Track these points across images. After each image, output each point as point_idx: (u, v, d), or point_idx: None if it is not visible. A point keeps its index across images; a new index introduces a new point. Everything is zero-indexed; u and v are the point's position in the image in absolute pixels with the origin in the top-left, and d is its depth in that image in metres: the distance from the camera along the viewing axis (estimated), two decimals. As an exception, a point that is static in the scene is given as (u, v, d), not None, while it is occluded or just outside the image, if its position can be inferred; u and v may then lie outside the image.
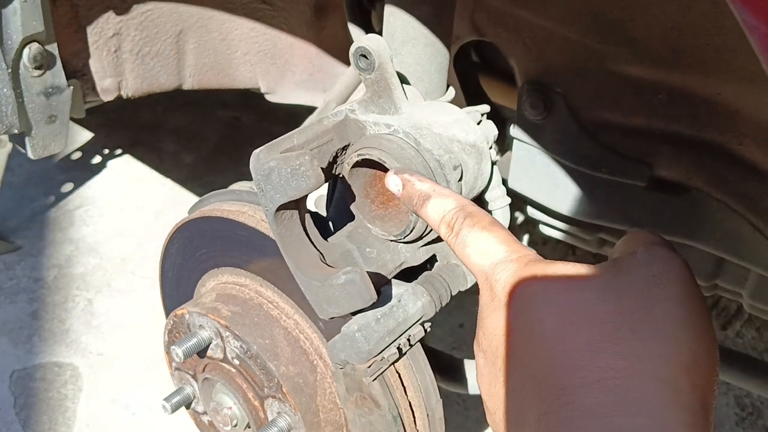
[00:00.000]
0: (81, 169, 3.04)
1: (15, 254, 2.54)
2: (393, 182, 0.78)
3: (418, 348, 0.93)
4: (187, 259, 1.13)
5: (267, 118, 3.30)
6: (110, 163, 3.09)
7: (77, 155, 3.13)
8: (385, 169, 0.85)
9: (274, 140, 0.83)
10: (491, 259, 0.64)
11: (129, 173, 3.03)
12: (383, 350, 0.86)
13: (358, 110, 0.89)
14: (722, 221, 1.09)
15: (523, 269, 0.61)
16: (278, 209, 0.81)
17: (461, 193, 0.88)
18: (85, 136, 3.22)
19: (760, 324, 2.27)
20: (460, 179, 0.87)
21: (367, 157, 0.85)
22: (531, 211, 1.34)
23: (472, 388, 1.32)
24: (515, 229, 2.67)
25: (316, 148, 0.86)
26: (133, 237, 2.65)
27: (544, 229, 1.41)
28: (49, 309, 2.31)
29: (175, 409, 1.09)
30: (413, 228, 0.86)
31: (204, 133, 3.29)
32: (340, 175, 0.91)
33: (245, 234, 1.00)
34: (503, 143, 1.43)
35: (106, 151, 3.15)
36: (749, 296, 1.17)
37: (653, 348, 0.53)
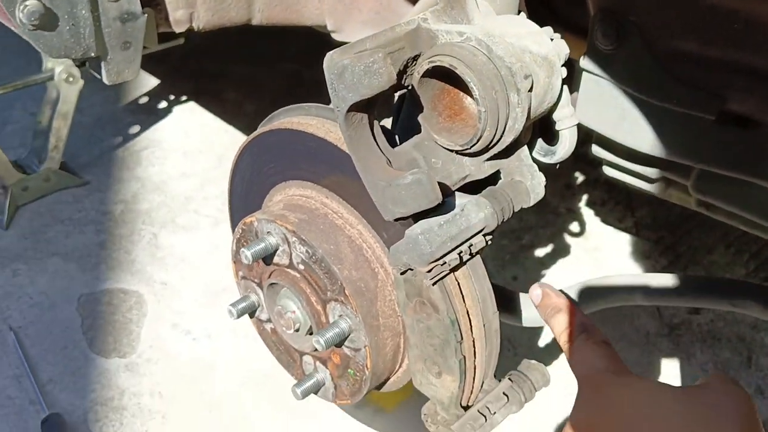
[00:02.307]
0: (148, 113, 3.13)
1: (84, 189, 2.64)
2: (535, 293, 0.97)
3: (478, 260, 0.94)
4: (256, 173, 1.17)
5: (329, 71, 3.32)
6: (175, 109, 3.17)
7: (144, 100, 3.22)
8: (456, 82, 0.87)
9: (348, 44, 0.85)
10: (596, 368, 0.81)
11: (193, 119, 3.10)
12: (445, 255, 0.88)
13: (430, 19, 0.90)
14: (793, 158, 1.07)
15: (618, 380, 0.78)
16: (349, 110, 0.83)
17: (531, 105, 0.89)
18: (152, 82, 3.31)
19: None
20: (531, 90, 0.87)
21: (438, 64, 0.86)
22: (595, 150, 1.33)
23: (526, 320, 1.34)
24: (575, 188, 2.65)
25: (388, 55, 0.87)
26: (196, 178, 2.72)
27: (608, 171, 1.39)
28: (116, 240, 2.41)
29: (240, 314, 1.13)
30: (479, 138, 0.87)
31: (266, 84, 3.34)
32: (409, 86, 0.92)
33: (313, 145, 1.02)
34: (570, 85, 1.42)
35: (172, 97, 3.23)
36: (815, 239, 1.14)
37: None
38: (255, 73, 3.40)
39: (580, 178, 2.63)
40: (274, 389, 1.86)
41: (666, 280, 1.41)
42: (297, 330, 1.06)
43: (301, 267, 1.02)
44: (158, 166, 2.80)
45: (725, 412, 0.70)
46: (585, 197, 2.60)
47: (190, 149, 2.89)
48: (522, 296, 1.35)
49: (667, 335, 2.12)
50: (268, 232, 1.05)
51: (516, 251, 2.40)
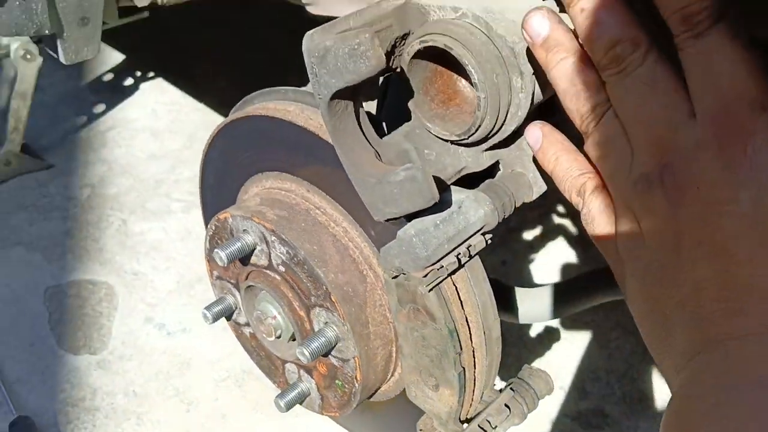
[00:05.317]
0: (113, 91, 2.98)
1: (48, 173, 2.51)
2: (535, 135, 0.75)
3: (478, 261, 0.86)
4: (229, 163, 1.07)
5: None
6: (143, 86, 3.02)
7: (109, 77, 3.07)
8: (449, 63, 0.77)
9: (329, 22, 0.75)
10: None
11: (162, 97, 2.96)
12: (441, 258, 0.79)
13: (422, -7, 0.80)
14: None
15: None
16: (333, 97, 0.73)
17: (535, 90, 0.80)
18: (116, 58, 3.15)
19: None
20: (535, 72, 0.78)
21: (431, 44, 0.76)
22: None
23: (523, 317, 1.26)
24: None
25: (375, 35, 0.77)
26: (166, 160, 2.60)
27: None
28: (83, 227, 2.28)
29: (215, 318, 1.04)
30: (479, 126, 0.78)
31: (239, 58, 3.20)
32: (398, 69, 0.83)
33: (292, 134, 0.93)
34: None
35: (139, 73, 3.08)
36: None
37: None
38: (227, 46, 3.26)
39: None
40: (253, 387, 1.77)
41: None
42: (278, 337, 0.98)
43: (282, 269, 0.93)
44: (125, 147, 2.66)
45: None
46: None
47: (159, 129, 2.76)
48: (518, 291, 1.27)
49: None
50: (244, 230, 0.95)
51: (505, 234, 2.32)
